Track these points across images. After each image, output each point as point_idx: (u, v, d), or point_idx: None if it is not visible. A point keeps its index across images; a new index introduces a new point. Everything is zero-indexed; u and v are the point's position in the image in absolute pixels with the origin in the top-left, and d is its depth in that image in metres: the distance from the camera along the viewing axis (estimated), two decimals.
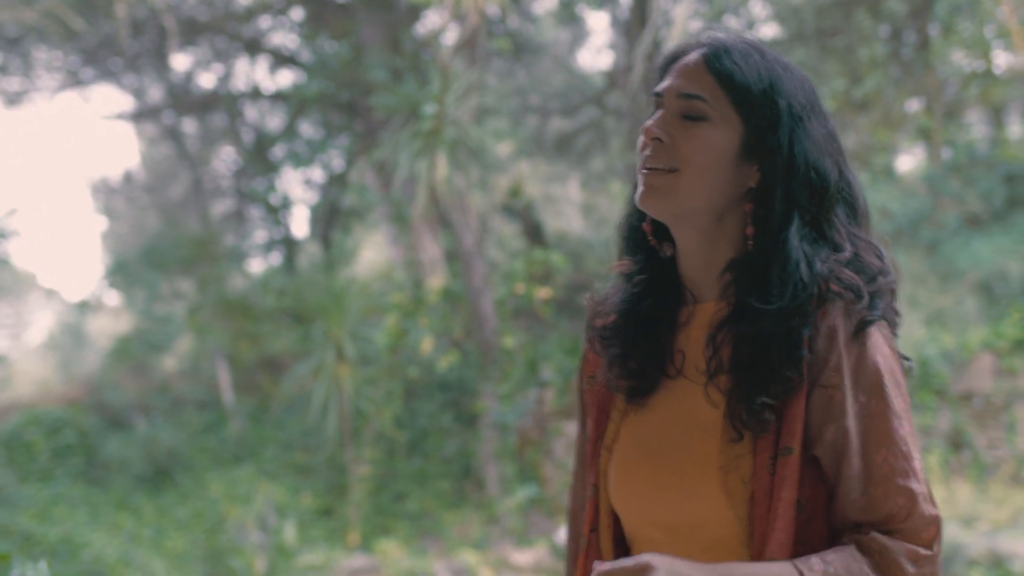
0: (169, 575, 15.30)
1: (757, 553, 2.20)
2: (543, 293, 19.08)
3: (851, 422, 2.19)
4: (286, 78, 28.11)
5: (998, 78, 19.56)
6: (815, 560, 2.15)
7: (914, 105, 20.80)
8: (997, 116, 20.86)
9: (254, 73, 28.27)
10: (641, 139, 2.35)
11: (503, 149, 23.01)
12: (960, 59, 19.99)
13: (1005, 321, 14.01)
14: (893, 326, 2.33)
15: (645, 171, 2.33)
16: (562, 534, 16.21)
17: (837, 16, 21.06)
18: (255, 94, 27.29)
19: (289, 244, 28.16)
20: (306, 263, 27.60)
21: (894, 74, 20.06)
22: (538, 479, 17.58)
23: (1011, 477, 13.25)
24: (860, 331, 2.22)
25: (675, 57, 2.41)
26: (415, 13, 22.78)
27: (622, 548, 2.46)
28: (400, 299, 18.77)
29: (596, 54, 37.06)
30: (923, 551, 2.16)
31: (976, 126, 21.06)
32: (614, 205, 27.61)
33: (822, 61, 20.10)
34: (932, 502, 2.21)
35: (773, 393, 2.21)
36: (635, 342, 2.42)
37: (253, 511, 15.92)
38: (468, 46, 18.45)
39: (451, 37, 18.88)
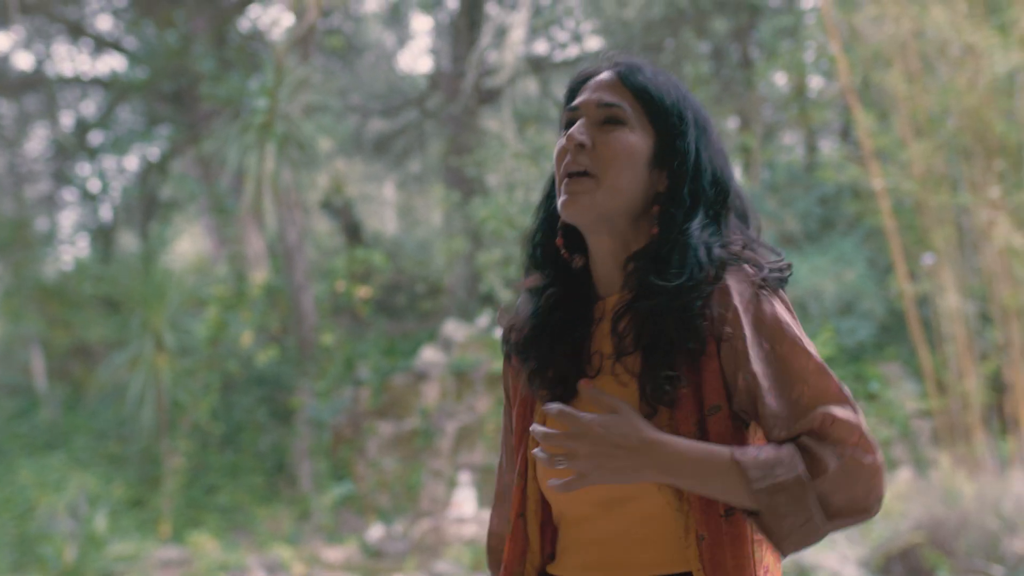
0: None
1: (692, 515, 2.35)
2: (363, 292, 19.18)
3: (757, 366, 2.35)
4: (109, 64, 27.77)
5: (814, 101, 20.13)
6: (750, 447, 2.31)
7: (734, 124, 21.27)
8: (812, 138, 21.42)
9: (75, 57, 27.83)
10: (558, 148, 2.51)
11: (322, 146, 23.03)
12: (780, 81, 20.50)
13: (816, 340, 14.44)
14: (782, 278, 2.52)
15: (568, 178, 2.47)
16: (373, 532, 16.33)
17: (664, 32, 21.44)
18: (76, 79, 26.87)
19: (106, 231, 27.71)
20: (123, 251, 27.18)
21: (715, 92, 20.48)
22: (351, 477, 17.65)
23: None
24: (749, 287, 2.41)
25: (586, 77, 2.58)
26: (241, 6, 22.70)
27: (549, 530, 2.59)
28: (222, 291, 18.68)
29: (417, 57, 37.17)
30: (850, 450, 2.27)
31: (796, 147, 21.58)
32: (432, 208, 27.76)
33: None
34: (854, 411, 2.32)
35: (678, 365, 2.37)
36: (551, 353, 2.54)
37: (64, 499, 15.73)
38: (302, 42, 18.47)
39: (285, 32, 18.88)
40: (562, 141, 2.52)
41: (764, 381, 2.35)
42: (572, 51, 24.20)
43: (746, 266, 2.45)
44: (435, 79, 25.66)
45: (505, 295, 18.62)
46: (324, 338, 18.56)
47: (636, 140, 2.48)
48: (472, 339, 17.94)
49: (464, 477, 16.42)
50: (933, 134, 13.56)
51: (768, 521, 2.28)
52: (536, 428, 2.31)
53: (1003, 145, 13.19)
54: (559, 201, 2.50)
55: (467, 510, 15.99)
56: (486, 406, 17.23)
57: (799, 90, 20.52)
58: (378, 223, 29.91)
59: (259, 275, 18.71)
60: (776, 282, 2.48)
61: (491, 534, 2.81)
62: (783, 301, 2.47)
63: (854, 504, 2.31)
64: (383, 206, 31.25)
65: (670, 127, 2.49)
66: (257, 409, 19.67)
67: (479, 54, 21.29)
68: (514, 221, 18.45)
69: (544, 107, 23.73)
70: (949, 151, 13.67)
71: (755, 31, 21.19)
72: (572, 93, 2.59)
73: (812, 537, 2.30)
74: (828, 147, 20.53)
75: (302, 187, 20.20)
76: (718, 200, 2.51)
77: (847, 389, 2.37)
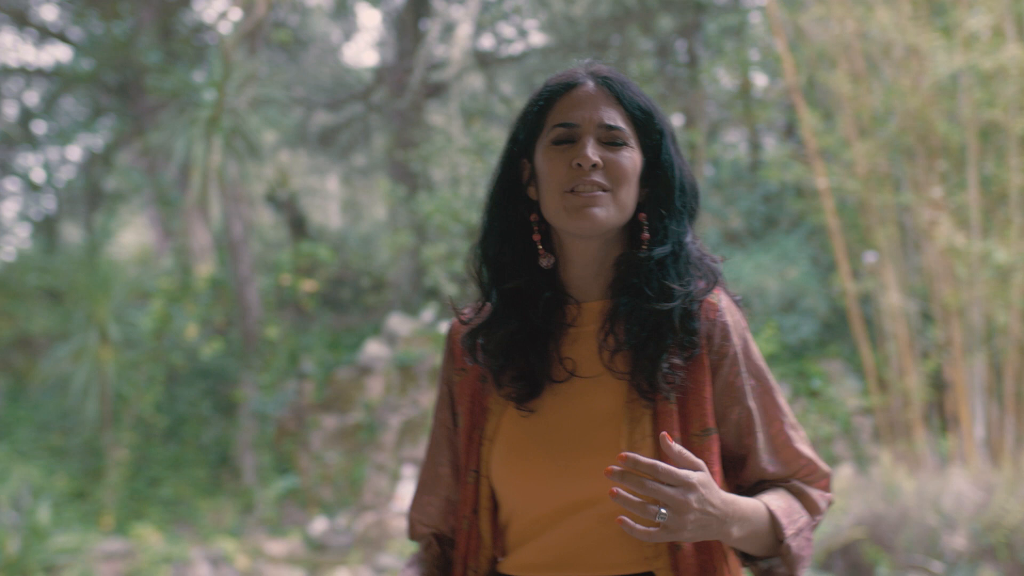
0: None
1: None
2: (308, 286, 19.17)
3: (752, 402, 2.56)
4: (53, 54, 27.59)
5: (759, 100, 20.25)
6: (771, 496, 2.56)
7: (679, 121, 21.36)
8: (756, 136, 21.52)
9: (19, 47, 27.66)
10: (563, 164, 2.57)
11: (267, 139, 22.98)
12: (725, 79, 20.60)
13: (759, 337, 14.56)
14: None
15: (580, 194, 2.54)
16: (317, 525, 16.32)
17: (610, 29, 21.50)
18: (21, 69, 26.68)
19: (49, 222, 27.56)
20: (67, 242, 27.03)
21: (660, 89, 20.57)
22: (294, 470, 17.65)
23: None
24: (740, 322, 2.62)
25: (565, 87, 2.64)
26: None
27: (498, 529, 2.66)
28: (167, 284, 18.63)
29: (363, 51, 37.10)
30: (827, 494, 2.66)
31: (740, 145, 21.68)
32: (376, 202, 27.73)
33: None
34: (820, 459, 2.65)
35: (676, 358, 2.51)
36: (518, 352, 2.61)
37: (7, 491, 15.64)
38: (250, 36, 18.44)
39: (233, 25, 18.83)
40: (562, 156, 2.58)
41: (757, 417, 2.58)
42: (518, 47, 24.25)
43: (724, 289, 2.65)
44: (381, 73, 25.62)
45: (450, 289, 18.65)
46: (269, 331, 18.53)
47: (636, 158, 2.59)
48: (417, 333, 17.96)
49: (408, 471, 16.45)
50: (876, 134, 13.69)
51: (792, 561, 2.54)
52: (658, 465, 2.29)
53: (945, 146, 13.33)
54: (564, 214, 2.57)
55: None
56: (430, 400, 17.25)
57: (744, 88, 20.63)
58: (322, 217, 29.86)
59: (204, 268, 18.66)
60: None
61: (415, 521, 2.87)
62: (746, 327, 2.68)
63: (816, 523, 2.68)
64: (327, 200, 31.17)
65: (651, 140, 2.62)
66: (201, 402, 19.62)
67: (426, 49, 21.29)
68: (459, 215, 18.48)
69: (490, 103, 23.74)
70: (892, 151, 13.80)
71: (701, 29, 21.29)
72: (550, 101, 2.65)
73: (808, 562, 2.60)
74: (772, 145, 20.62)
75: (247, 180, 20.16)
76: (694, 203, 2.66)
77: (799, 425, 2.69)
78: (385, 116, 24.80)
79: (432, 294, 19.71)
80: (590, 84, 2.62)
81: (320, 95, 26.91)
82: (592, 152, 2.55)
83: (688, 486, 2.29)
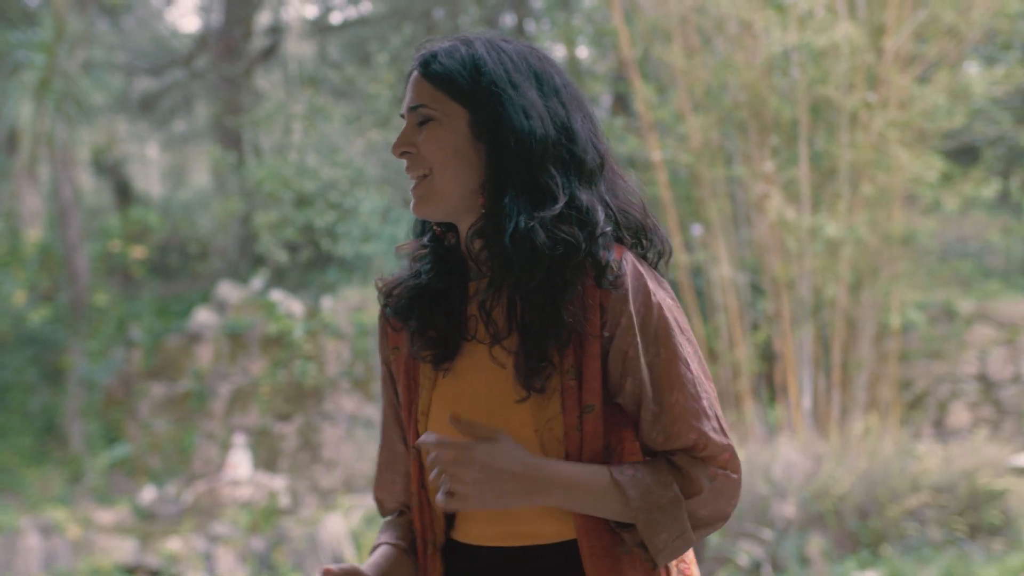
0: None
1: None
2: (138, 252, 18.93)
3: (645, 373, 2.48)
4: None
5: (590, 72, 20.33)
6: (627, 466, 2.48)
7: None
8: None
9: None
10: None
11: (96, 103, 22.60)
12: (553, 51, 20.69)
13: None
14: (661, 257, 2.63)
15: (411, 183, 2.57)
16: (145, 494, 16.16)
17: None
18: None
19: None
20: None
21: None
22: (122, 439, 17.43)
23: None
24: (643, 287, 2.50)
25: (407, 78, 2.64)
26: None
27: None
28: None
29: (185, 15, 36.62)
30: (720, 471, 2.50)
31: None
32: (198, 169, 27.46)
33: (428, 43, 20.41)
34: (723, 433, 2.52)
35: (555, 349, 2.47)
36: (431, 313, 2.61)
37: None
38: None
39: None
40: None
41: (649, 389, 2.49)
42: (350, 13, 24.17)
43: (627, 248, 2.55)
44: (204, 38, 25.32)
45: (281, 257, 18.55)
46: (97, 298, 18.28)
47: (444, 131, 2.53)
48: (247, 301, 17.83)
49: (239, 439, 16.34)
50: (710, 108, 13.88)
51: (645, 536, 2.47)
52: (424, 441, 2.41)
53: (777, 121, 13.58)
54: (411, 205, 2.59)
55: (242, 472, 15.92)
56: (260, 368, 17.16)
57: (573, 61, 20.74)
58: (143, 183, 29.44)
59: (34, 233, 18.34)
60: (661, 267, 2.62)
61: (382, 500, 2.88)
62: (666, 290, 2.58)
63: (717, 514, 2.55)
64: (147, 166, 30.73)
65: (472, 102, 2.53)
66: (27, 369, 19.25)
67: (254, 14, 21.10)
68: (290, 183, 18.37)
69: (320, 70, 23.60)
70: (725, 125, 14.00)
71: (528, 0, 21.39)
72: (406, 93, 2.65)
73: (683, 548, 2.51)
74: (602, 117, 20.72)
75: (76, 145, 19.83)
76: (523, 162, 2.50)
77: (717, 405, 2.55)
78: (208, 82, 24.50)
79: (260, 261, 19.57)
80: (413, 71, 2.60)
81: (141, 60, 26.50)
82: (400, 141, 2.57)
83: (462, 450, 2.37)
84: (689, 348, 2.53)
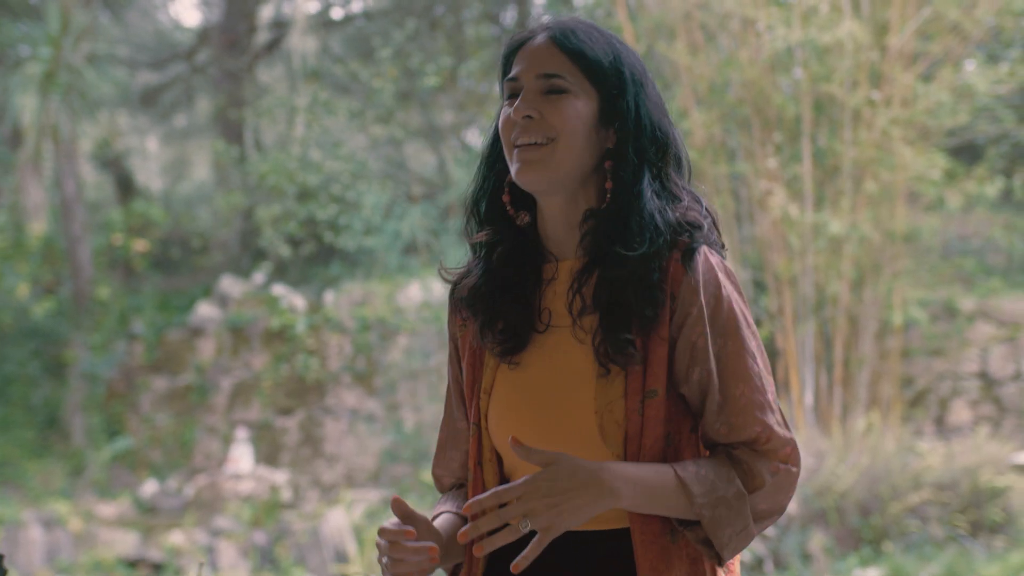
0: None
1: None
2: (140, 245, 18.95)
3: (713, 364, 2.50)
4: None
5: None
6: (690, 463, 2.48)
7: None
8: None
9: None
10: (504, 120, 2.58)
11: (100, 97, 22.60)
12: None
13: None
14: (720, 251, 2.65)
15: (518, 148, 2.54)
16: (147, 488, 16.18)
17: None
18: None
19: None
20: None
21: (494, 55, 20.59)
22: (124, 432, 17.45)
23: None
24: (714, 279, 2.53)
25: (519, 44, 2.62)
26: None
27: (504, 480, 2.67)
28: None
29: (187, 9, 36.59)
30: (782, 465, 2.51)
31: None
32: (199, 163, 27.44)
33: (431, 39, 20.45)
34: (786, 427, 2.54)
35: (635, 329, 2.49)
36: (501, 305, 2.62)
37: None
38: None
39: None
40: (508, 112, 2.58)
41: (716, 379, 2.51)
42: (355, 7, 24.16)
43: (703, 243, 2.56)
44: (206, 32, 25.30)
45: (283, 251, 18.56)
46: (99, 292, 18.29)
47: (580, 106, 2.55)
48: (248, 295, 17.85)
49: (240, 433, 16.36)
50: (714, 105, 13.89)
51: (710, 531, 2.48)
52: (477, 500, 2.40)
53: (781, 117, 13.58)
54: (513, 169, 2.57)
55: (244, 466, 15.94)
56: (262, 362, 17.19)
57: None
58: (144, 177, 29.40)
59: (38, 226, 18.34)
60: (723, 254, 2.63)
61: (439, 476, 2.90)
62: (735, 284, 2.60)
63: (775, 508, 2.56)
64: (147, 160, 30.69)
65: (610, 87, 2.56)
66: (29, 362, 19.25)
67: (256, 8, 21.09)
68: (293, 176, 18.38)
69: (323, 64, 23.58)
70: (729, 122, 14.02)
71: None
72: (508, 61, 2.64)
73: (746, 543, 2.54)
74: None
75: (79, 138, 19.83)
76: (659, 154, 2.58)
77: (771, 391, 2.56)
78: (210, 76, 24.48)
79: (262, 255, 19.57)
80: (540, 37, 2.60)
81: (143, 54, 26.47)
82: (525, 104, 2.55)
83: (524, 488, 2.38)
84: (754, 342, 2.55)
